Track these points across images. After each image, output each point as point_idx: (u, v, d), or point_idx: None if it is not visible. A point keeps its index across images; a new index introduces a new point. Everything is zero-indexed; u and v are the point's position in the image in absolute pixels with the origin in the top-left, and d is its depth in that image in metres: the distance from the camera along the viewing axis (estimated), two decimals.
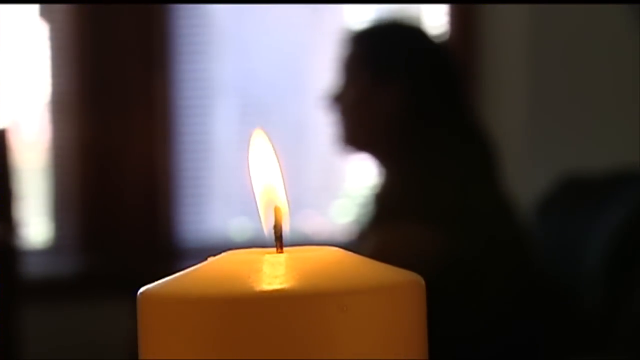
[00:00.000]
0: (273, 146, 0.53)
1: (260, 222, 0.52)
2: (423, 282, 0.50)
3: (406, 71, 1.81)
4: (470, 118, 1.86)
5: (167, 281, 0.50)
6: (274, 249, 0.51)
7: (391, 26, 1.90)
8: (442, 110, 1.82)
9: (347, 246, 0.52)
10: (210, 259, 0.50)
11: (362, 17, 2.68)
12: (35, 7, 2.77)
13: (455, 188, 1.74)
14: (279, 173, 0.53)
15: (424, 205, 1.72)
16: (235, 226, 2.78)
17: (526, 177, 2.42)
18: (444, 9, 2.71)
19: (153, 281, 0.50)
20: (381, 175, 1.84)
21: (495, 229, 1.75)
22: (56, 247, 2.76)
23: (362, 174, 2.49)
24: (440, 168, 1.77)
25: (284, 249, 0.51)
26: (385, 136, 1.80)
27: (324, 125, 1.87)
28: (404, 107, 1.79)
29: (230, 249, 0.52)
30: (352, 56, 1.83)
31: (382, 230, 1.71)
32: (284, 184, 0.53)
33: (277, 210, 0.51)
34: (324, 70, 1.95)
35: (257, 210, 0.52)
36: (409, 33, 1.88)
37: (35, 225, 2.75)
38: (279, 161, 0.53)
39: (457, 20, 2.69)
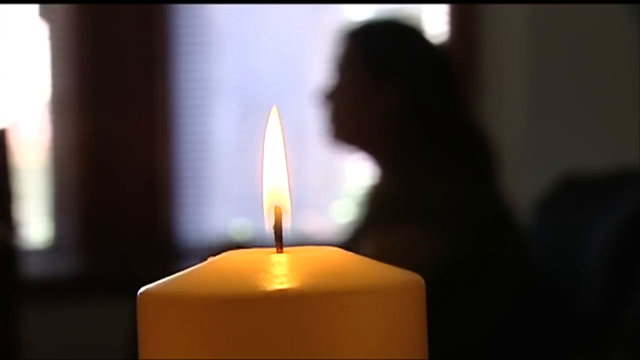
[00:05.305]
0: (284, 137, 0.53)
1: (264, 221, 0.52)
2: (423, 282, 0.50)
3: (405, 71, 1.81)
4: (469, 118, 1.86)
5: (167, 281, 0.50)
6: (274, 249, 0.51)
7: (391, 26, 1.90)
8: (440, 110, 1.82)
9: (347, 246, 0.52)
10: (210, 259, 0.50)
11: (362, 16, 2.67)
12: (35, 7, 2.77)
13: (454, 188, 1.74)
14: (287, 173, 0.53)
15: (421, 205, 1.72)
16: (235, 226, 2.78)
17: (526, 177, 2.42)
18: (444, 9, 2.71)
19: (153, 281, 0.50)
20: (378, 174, 1.83)
21: (493, 229, 1.74)
22: (56, 247, 2.76)
23: (363, 174, 2.48)
24: (438, 168, 1.77)
25: (284, 249, 0.51)
26: (383, 136, 1.80)
27: (324, 125, 1.87)
28: (403, 106, 1.78)
29: (230, 249, 0.52)
30: (351, 55, 1.82)
31: (379, 232, 1.71)
32: (290, 185, 0.53)
33: (277, 210, 0.51)
34: (324, 70, 1.94)
35: (262, 208, 0.52)
36: (409, 33, 1.88)
37: (35, 225, 2.75)
38: (287, 160, 0.53)
39: (457, 20, 2.69)
